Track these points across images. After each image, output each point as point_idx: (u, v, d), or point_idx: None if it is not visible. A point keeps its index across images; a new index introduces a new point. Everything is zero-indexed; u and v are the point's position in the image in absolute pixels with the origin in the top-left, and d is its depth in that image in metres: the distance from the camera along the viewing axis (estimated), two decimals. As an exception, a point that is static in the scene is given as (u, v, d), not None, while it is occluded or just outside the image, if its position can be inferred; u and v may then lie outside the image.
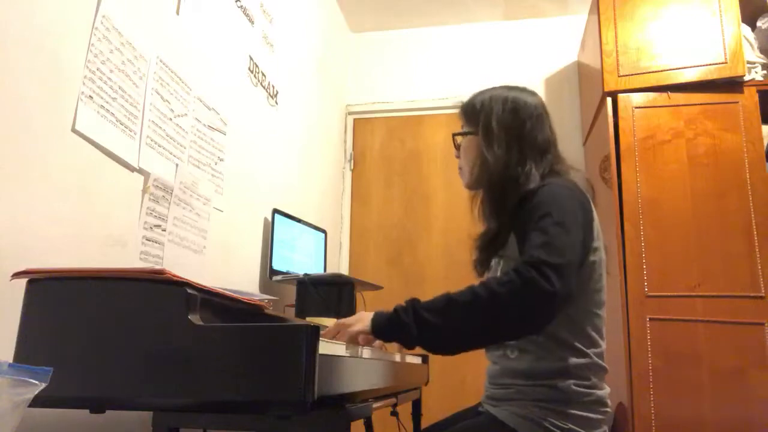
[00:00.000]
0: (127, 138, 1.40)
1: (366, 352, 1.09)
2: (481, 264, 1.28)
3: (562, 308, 1.02)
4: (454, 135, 1.35)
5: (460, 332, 1.02)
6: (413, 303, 1.05)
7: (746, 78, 2.35)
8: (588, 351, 1.14)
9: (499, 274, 1.20)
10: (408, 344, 1.06)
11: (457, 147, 1.34)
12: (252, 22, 2.14)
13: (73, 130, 1.23)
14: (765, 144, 2.31)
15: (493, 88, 1.31)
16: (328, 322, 1.83)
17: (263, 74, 2.23)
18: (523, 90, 1.30)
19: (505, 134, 1.23)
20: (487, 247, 1.25)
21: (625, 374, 2.15)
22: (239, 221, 2.02)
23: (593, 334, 1.16)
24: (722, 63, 2.35)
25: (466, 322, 1.01)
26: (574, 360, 1.12)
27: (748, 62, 2.38)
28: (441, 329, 1.01)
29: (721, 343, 2.12)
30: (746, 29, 2.45)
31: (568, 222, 1.07)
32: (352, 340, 1.07)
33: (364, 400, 1.10)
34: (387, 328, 1.05)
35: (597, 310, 1.17)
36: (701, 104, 2.37)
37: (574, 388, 1.11)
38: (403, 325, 1.03)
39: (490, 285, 1.01)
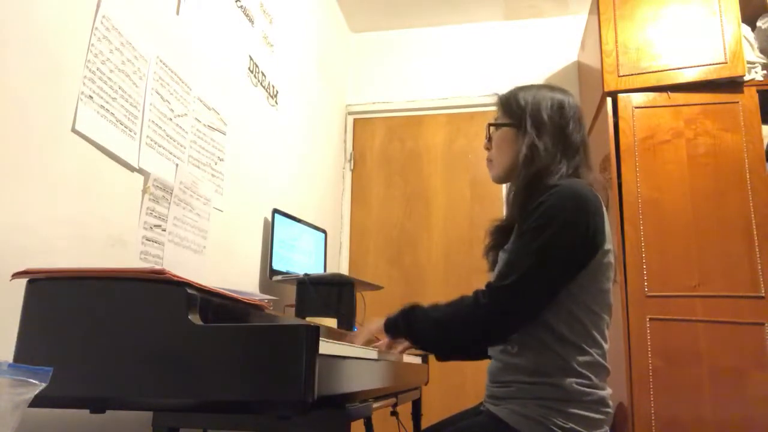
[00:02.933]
0: (127, 138, 1.40)
1: (366, 353, 1.10)
2: (491, 251, 1.33)
3: (514, 327, 1.15)
4: (489, 125, 1.35)
5: (435, 340, 1.22)
6: (410, 308, 1.23)
7: (746, 78, 2.35)
8: (591, 350, 1.14)
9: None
10: (412, 343, 1.28)
11: (489, 138, 1.35)
12: (252, 22, 2.14)
13: (73, 130, 1.23)
14: (765, 144, 2.31)
15: (536, 86, 1.33)
16: (328, 322, 1.84)
17: (263, 74, 2.23)
18: (564, 91, 1.32)
19: (553, 130, 1.24)
20: (498, 233, 1.31)
21: (625, 374, 2.15)
22: (239, 221, 2.02)
23: (595, 334, 1.15)
24: (722, 63, 2.35)
25: (438, 334, 1.19)
26: (576, 358, 1.12)
27: (748, 62, 2.37)
28: (424, 335, 1.22)
29: (721, 343, 2.12)
30: (746, 29, 2.45)
31: (552, 241, 1.11)
32: (370, 335, 1.29)
33: (364, 400, 1.10)
34: (392, 328, 1.25)
35: (601, 312, 1.17)
36: (701, 104, 2.37)
37: (576, 386, 1.11)
38: (399, 327, 1.23)
39: (456, 305, 1.18)
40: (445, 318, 1.18)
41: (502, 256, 1.25)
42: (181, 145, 1.64)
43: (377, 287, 2.26)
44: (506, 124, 1.30)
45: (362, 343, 1.25)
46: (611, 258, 1.18)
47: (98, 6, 1.31)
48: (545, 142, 1.23)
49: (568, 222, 1.12)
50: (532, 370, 1.14)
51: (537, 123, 1.25)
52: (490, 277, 1.33)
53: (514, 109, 1.29)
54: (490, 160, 1.35)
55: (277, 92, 2.37)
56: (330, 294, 2.04)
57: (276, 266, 2.11)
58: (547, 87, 1.33)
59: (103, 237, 1.33)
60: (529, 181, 1.21)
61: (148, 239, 1.46)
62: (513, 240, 1.20)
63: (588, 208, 1.14)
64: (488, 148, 1.36)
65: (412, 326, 1.21)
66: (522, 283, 1.10)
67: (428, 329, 1.19)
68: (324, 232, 2.55)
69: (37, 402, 0.67)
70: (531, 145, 1.23)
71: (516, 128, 1.28)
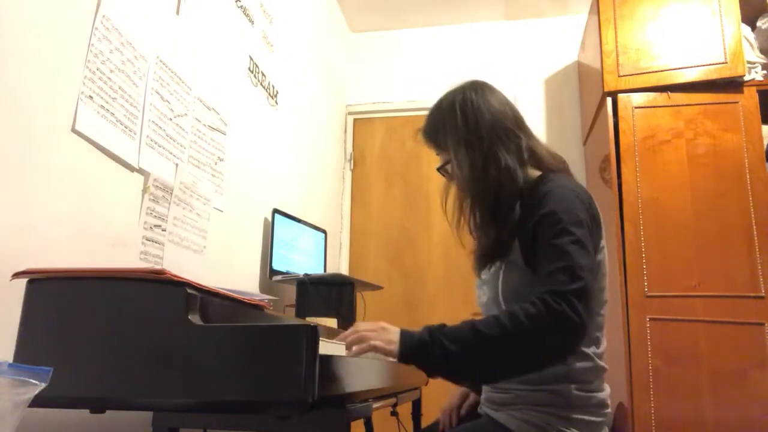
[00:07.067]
0: (127, 138, 1.40)
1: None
2: (480, 269, 1.26)
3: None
4: (438, 169, 1.32)
5: (488, 366, 1.01)
6: (440, 335, 0.99)
7: (746, 78, 2.35)
8: (591, 354, 1.12)
9: (501, 279, 1.14)
10: (433, 375, 1.03)
11: (451, 177, 1.31)
12: (252, 22, 2.14)
13: (73, 130, 1.23)
14: (765, 144, 2.31)
15: (438, 101, 1.31)
16: (328, 322, 1.83)
17: (263, 74, 2.23)
18: (463, 86, 1.30)
19: (465, 142, 1.21)
20: (491, 257, 1.20)
21: (625, 374, 2.15)
22: (239, 221, 2.01)
23: (597, 334, 1.15)
24: (722, 63, 2.35)
25: (494, 356, 0.99)
26: (577, 365, 1.10)
27: (748, 62, 2.38)
28: (468, 363, 1.00)
29: (721, 343, 2.12)
30: (746, 29, 2.45)
31: (584, 236, 1.05)
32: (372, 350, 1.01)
33: (364, 400, 1.10)
34: (413, 358, 1.00)
35: (600, 310, 1.16)
36: (701, 104, 2.37)
37: (576, 392, 1.09)
38: (430, 359, 0.99)
39: (518, 316, 0.97)
40: (507, 335, 0.97)
41: (498, 266, 1.17)
42: (181, 145, 1.64)
43: (377, 287, 2.26)
44: (447, 162, 1.27)
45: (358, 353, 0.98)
46: (605, 254, 1.17)
47: (98, 6, 1.30)
48: (473, 157, 1.19)
49: (586, 221, 1.09)
50: (532, 379, 1.11)
51: (455, 146, 1.22)
52: (479, 275, 1.27)
53: (438, 141, 1.28)
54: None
55: (277, 92, 2.37)
56: (330, 294, 2.04)
57: (276, 266, 2.11)
58: (448, 93, 1.30)
59: (103, 237, 1.33)
60: (486, 198, 1.18)
61: (148, 239, 1.46)
62: (525, 246, 1.11)
63: (591, 207, 1.13)
64: (452, 179, 1.32)
65: (452, 352, 0.97)
66: (588, 285, 0.99)
67: (481, 353, 0.99)
68: (324, 232, 2.55)
69: (37, 402, 0.67)
70: (462, 169, 1.20)
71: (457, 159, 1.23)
